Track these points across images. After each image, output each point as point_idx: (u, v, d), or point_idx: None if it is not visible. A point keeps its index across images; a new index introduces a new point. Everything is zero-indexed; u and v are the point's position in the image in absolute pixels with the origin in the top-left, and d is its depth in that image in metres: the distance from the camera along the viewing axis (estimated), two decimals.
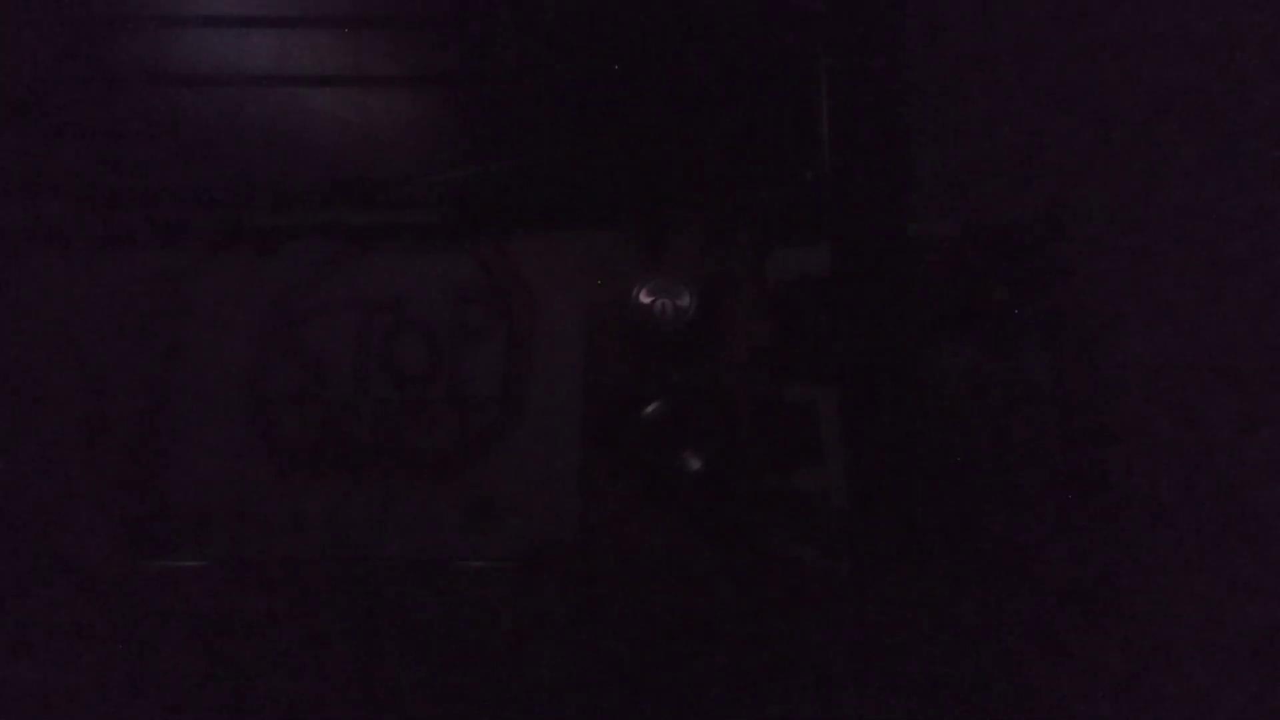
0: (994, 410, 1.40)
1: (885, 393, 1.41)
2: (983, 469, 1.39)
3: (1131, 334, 1.41)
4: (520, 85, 1.47)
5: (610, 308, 1.42)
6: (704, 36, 1.46)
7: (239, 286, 1.44)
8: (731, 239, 1.44)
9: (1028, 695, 1.34)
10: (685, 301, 1.37)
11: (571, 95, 1.47)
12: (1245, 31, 1.45)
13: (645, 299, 1.38)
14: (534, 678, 1.34)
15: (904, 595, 1.35)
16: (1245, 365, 1.39)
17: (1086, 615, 1.35)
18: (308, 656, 1.35)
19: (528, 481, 1.39)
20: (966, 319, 1.42)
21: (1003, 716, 1.34)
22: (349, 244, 1.45)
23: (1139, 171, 1.44)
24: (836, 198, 1.43)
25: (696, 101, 1.46)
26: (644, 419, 1.36)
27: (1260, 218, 1.41)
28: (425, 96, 1.50)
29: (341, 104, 1.48)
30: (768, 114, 1.45)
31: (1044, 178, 1.44)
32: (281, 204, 1.46)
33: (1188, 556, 1.36)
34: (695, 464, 1.35)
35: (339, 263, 1.45)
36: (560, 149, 1.46)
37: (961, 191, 1.45)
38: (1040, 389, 1.41)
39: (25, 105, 1.46)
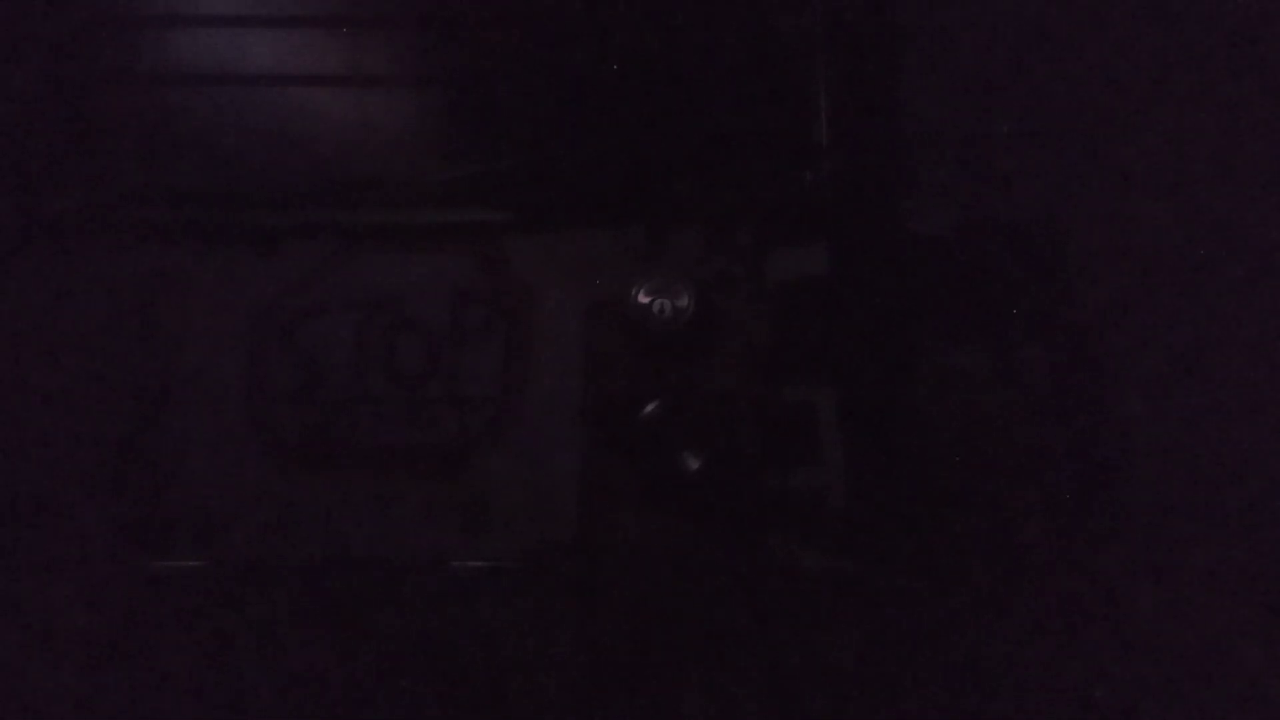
0: (994, 410, 1.40)
1: (885, 393, 1.41)
2: (982, 469, 1.39)
3: (1131, 334, 1.41)
4: (520, 85, 1.47)
5: (610, 308, 1.42)
6: (703, 36, 1.46)
7: (237, 286, 1.43)
8: (731, 239, 1.44)
9: (1028, 695, 1.33)
10: (685, 301, 1.37)
11: (571, 95, 1.47)
12: (1247, 33, 1.45)
13: (645, 299, 1.37)
14: (533, 678, 1.34)
15: (904, 595, 1.35)
16: (1247, 364, 1.38)
17: (1087, 615, 1.35)
18: (306, 657, 1.34)
19: (527, 481, 1.39)
20: (966, 319, 1.42)
21: (1003, 716, 1.34)
22: (348, 244, 1.45)
23: (1139, 171, 1.44)
24: (836, 198, 1.43)
25: (695, 101, 1.46)
26: (643, 419, 1.36)
27: (1261, 217, 1.42)
28: (425, 96, 1.50)
29: (341, 104, 1.48)
30: (766, 113, 1.45)
31: (1044, 177, 1.44)
32: (280, 204, 1.45)
33: (1189, 557, 1.36)
34: (695, 464, 1.34)
35: (338, 262, 1.45)
36: (560, 149, 1.46)
37: (961, 191, 1.45)
38: (1040, 389, 1.40)
39: (24, 104, 1.46)
